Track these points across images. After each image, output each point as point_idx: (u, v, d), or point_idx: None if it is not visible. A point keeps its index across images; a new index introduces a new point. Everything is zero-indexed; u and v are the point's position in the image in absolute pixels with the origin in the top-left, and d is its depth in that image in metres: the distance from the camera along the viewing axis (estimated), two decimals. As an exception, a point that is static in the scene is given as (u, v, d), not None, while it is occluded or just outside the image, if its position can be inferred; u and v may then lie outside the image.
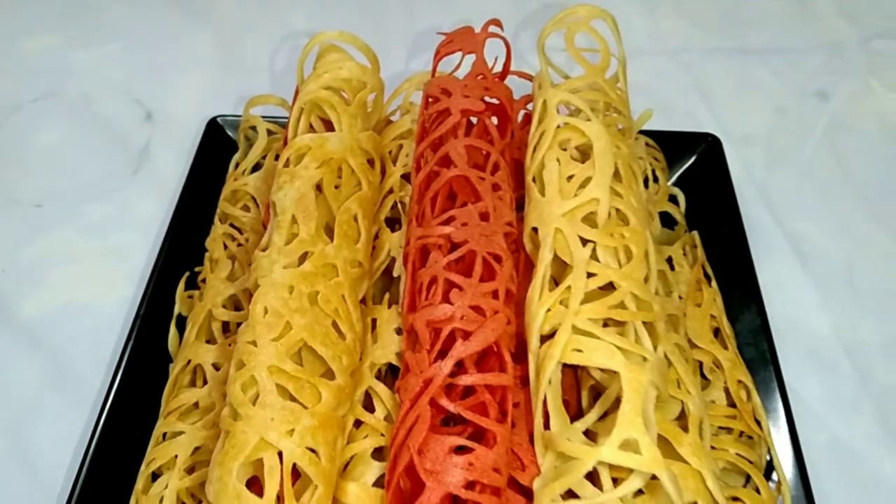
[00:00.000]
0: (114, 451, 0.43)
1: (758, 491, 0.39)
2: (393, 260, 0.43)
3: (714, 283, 0.48)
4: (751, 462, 0.40)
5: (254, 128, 0.55)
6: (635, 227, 0.39)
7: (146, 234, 0.57)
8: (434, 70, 0.48)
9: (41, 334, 0.52)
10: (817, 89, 0.69)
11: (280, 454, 0.33)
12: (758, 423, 0.42)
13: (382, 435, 0.36)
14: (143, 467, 0.40)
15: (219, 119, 0.59)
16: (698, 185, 0.56)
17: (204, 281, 0.49)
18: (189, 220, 0.53)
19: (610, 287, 0.36)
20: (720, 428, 0.41)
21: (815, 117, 0.67)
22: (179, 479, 0.39)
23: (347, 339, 0.38)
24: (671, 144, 0.57)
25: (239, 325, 0.45)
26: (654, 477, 0.34)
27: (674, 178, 0.57)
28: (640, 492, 0.34)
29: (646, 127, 0.52)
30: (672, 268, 0.48)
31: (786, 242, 0.57)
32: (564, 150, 0.41)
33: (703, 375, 0.44)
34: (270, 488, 0.32)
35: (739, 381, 0.43)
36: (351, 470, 0.36)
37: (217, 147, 0.58)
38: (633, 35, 0.71)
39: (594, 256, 0.37)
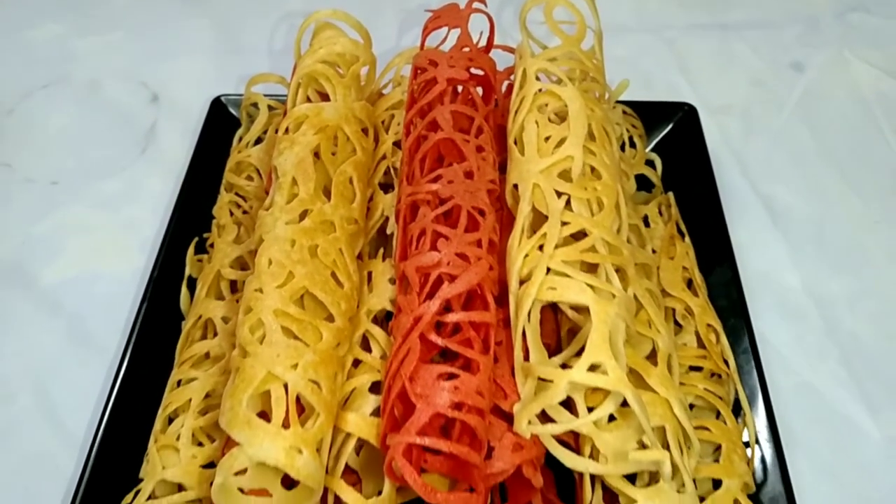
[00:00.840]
0: (132, 402, 0.46)
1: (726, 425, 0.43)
2: (386, 220, 0.46)
3: (687, 239, 0.52)
4: (720, 398, 0.44)
5: (255, 105, 0.58)
6: (607, 182, 0.42)
7: (155, 208, 0.60)
8: (422, 44, 0.51)
9: (60, 299, 0.55)
10: (793, 61, 0.72)
11: (286, 386, 0.36)
12: (725, 363, 0.45)
13: (378, 371, 0.40)
14: (160, 411, 0.44)
15: (222, 98, 0.62)
16: (675, 151, 0.60)
17: (212, 245, 0.52)
18: (196, 191, 0.56)
19: (582, 235, 0.40)
20: (691, 368, 0.45)
21: (790, 88, 0.70)
22: (194, 419, 0.42)
23: (345, 288, 0.41)
24: (650, 114, 0.60)
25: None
26: (624, 404, 0.37)
27: (651, 145, 0.60)
28: (612, 418, 0.38)
29: (627, 98, 0.56)
30: (647, 225, 0.52)
31: (759, 204, 0.60)
32: (542, 113, 0.45)
33: (676, 323, 0.47)
34: (277, 415, 0.36)
35: (709, 325, 0.46)
36: (350, 403, 0.39)
37: (221, 125, 0.61)
38: (618, 13, 0.75)
39: (568, 208, 0.41)
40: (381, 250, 0.46)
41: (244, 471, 0.37)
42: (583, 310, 0.39)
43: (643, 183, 0.57)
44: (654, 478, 0.37)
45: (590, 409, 0.37)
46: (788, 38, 0.74)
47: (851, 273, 0.56)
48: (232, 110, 0.62)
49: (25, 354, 0.53)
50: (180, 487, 0.41)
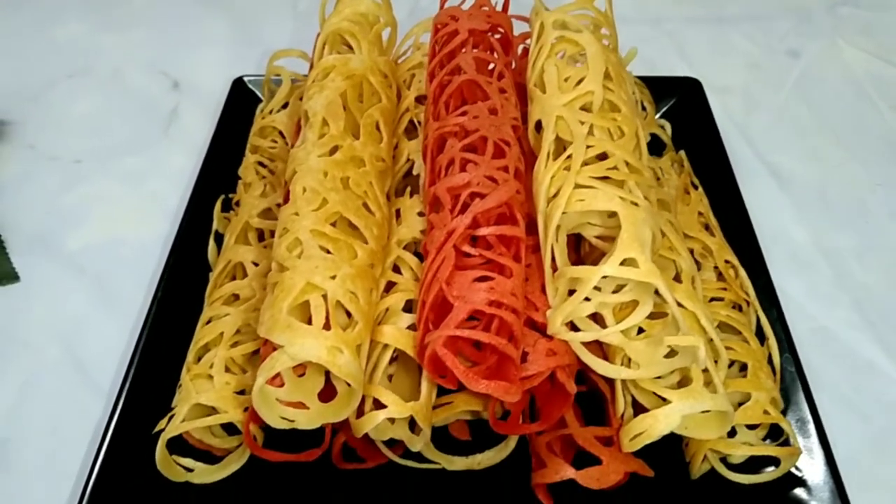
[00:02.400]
0: (158, 346, 0.47)
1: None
2: (412, 163, 0.48)
3: (700, 189, 0.53)
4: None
5: (277, 80, 0.60)
6: (626, 114, 0.44)
7: (178, 182, 0.62)
8: (442, 5, 0.53)
9: (86, 263, 0.56)
10: (788, 49, 0.75)
11: (324, 297, 0.37)
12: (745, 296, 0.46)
13: (411, 292, 0.41)
14: (191, 346, 0.44)
15: (245, 78, 0.64)
16: (681, 122, 0.62)
17: (237, 204, 0.54)
18: (220, 159, 0.58)
19: (605, 159, 0.41)
20: (712, 299, 0.46)
21: (787, 71, 0.73)
22: (226, 350, 0.43)
23: (377, 216, 0.43)
24: (655, 88, 0.63)
25: (273, 234, 0.50)
26: (651, 317, 0.39)
27: (658, 115, 0.62)
28: (640, 332, 0.39)
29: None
30: (660, 179, 0.53)
31: (765, 171, 0.63)
32: (561, 58, 0.47)
33: (695, 261, 0.49)
34: (317, 321, 0.36)
35: (727, 261, 0.48)
36: (385, 320, 0.40)
37: (242, 102, 0.63)
38: (618, 5, 0.77)
39: (591, 135, 0.42)
40: (408, 188, 0.47)
41: (282, 384, 0.38)
42: (607, 238, 0.41)
43: (653, 148, 0.59)
44: (683, 383, 0.38)
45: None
46: (782, 30, 0.77)
47: (856, 230, 0.58)
48: (253, 89, 0.64)
49: (52, 313, 0.53)
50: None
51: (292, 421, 0.37)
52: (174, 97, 0.70)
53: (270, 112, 0.58)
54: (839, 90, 0.71)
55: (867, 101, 0.69)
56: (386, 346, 0.39)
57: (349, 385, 0.36)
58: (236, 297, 0.47)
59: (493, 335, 0.35)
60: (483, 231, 0.39)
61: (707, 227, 0.50)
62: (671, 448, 0.42)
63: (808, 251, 0.57)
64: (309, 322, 0.37)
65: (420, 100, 0.52)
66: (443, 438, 0.43)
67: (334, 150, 0.44)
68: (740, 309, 0.46)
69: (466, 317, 0.35)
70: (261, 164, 0.55)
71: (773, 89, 0.71)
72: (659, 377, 0.38)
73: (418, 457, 0.42)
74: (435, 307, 0.37)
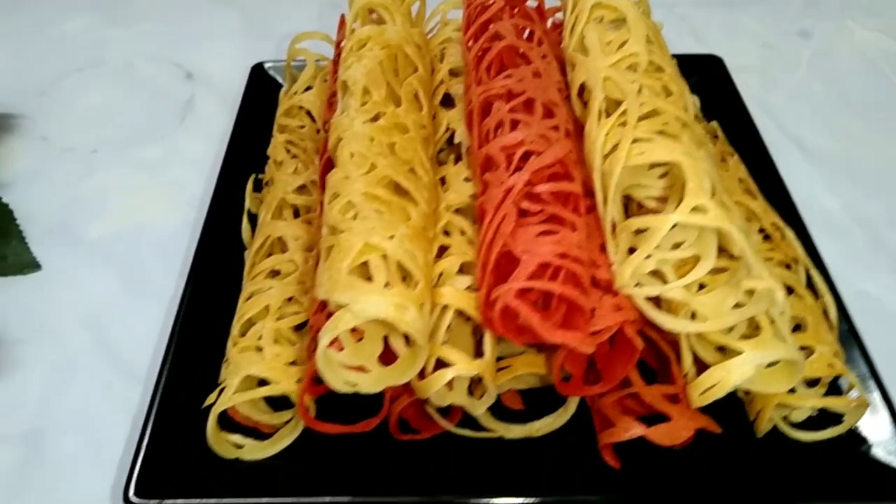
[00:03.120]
0: (194, 333, 0.45)
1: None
2: (452, 132, 0.47)
3: (737, 156, 0.53)
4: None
5: (298, 63, 0.59)
6: (671, 74, 0.44)
7: (199, 169, 0.61)
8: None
9: (109, 251, 0.55)
10: (799, 29, 0.76)
11: (384, 258, 0.36)
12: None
13: (465, 254, 0.40)
14: (235, 321, 0.43)
15: (265, 64, 0.64)
16: (707, 98, 0.61)
17: (267, 184, 0.52)
18: (244, 140, 0.57)
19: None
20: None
21: (800, 51, 0.73)
22: (274, 322, 0.41)
23: (425, 180, 0.42)
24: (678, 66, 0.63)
25: (309, 210, 0.49)
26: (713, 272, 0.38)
27: (684, 91, 0.62)
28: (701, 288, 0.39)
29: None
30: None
31: (790, 144, 0.63)
32: (600, 24, 0.46)
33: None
34: (378, 280, 0.35)
35: (773, 224, 0.47)
36: (440, 284, 0.39)
37: (262, 88, 0.62)
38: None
39: (639, 93, 0.42)
40: (452, 156, 0.46)
41: (341, 348, 0.37)
42: (658, 199, 0.40)
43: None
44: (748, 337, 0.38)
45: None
46: (792, 12, 0.78)
47: (886, 197, 0.58)
48: (274, 75, 0.63)
49: (78, 300, 0.52)
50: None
51: (355, 385, 0.36)
52: (189, 87, 0.69)
53: (296, 93, 0.57)
54: (853, 67, 0.71)
55: (882, 78, 0.70)
56: (445, 308, 0.38)
57: (415, 344, 0.35)
58: (275, 273, 0.45)
59: (565, 285, 0.34)
60: (541, 188, 0.38)
61: (748, 193, 0.50)
62: (730, 408, 0.41)
63: (841, 219, 0.57)
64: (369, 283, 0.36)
65: (454, 72, 0.51)
66: (495, 409, 0.42)
67: (377, 116, 0.43)
68: (789, 267, 0.45)
69: (535, 269, 0.34)
70: (290, 142, 0.54)
71: (788, 68, 0.71)
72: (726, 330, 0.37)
73: (474, 427, 0.41)
74: (498, 264, 0.36)
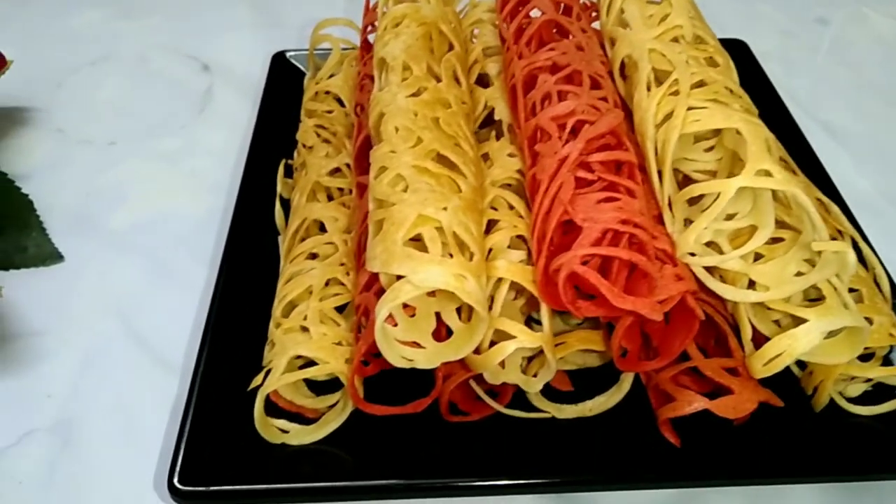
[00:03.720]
0: (229, 318, 0.44)
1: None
2: (491, 110, 0.46)
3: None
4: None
5: (320, 51, 0.58)
6: (717, 47, 0.43)
7: (222, 159, 0.59)
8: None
9: (133, 240, 0.53)
10: (817, 17, 0.76)
11: (438, 229, 0.35)
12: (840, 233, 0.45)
13: (515, 227, 0.39)
14: (276, 303, 0.42)
15: (287, 53, 0.63)
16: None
17: (297, 169, 0.51)
18: (269, 128, 0.56)
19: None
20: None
21: (819, 37, 0.73)
22: (318, 302, 0.40)
23: (471, 155, 0.41)
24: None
25: (341, 191, 0.48)
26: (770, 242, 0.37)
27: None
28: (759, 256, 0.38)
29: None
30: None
31: (817, 126, 0.62)
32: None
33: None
34: (434, 251, 0.34)
35: (816, 199, 0.47)
36: (492, 259, 0.38)
37: (284, 76, 0.61)
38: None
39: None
40: (493, 132, 0.45)
41: (394, 324, 0.35)
42: (706, 173, 0.39)
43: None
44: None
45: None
46: (808, 0, 0.78)
47: (919, 177, 0.58)
48: (295, 63, 0.62)
49: (104, 290, 0.50)
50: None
51: (411, 360, 0.35)
52: (206, 79, 0.68)
53: (322, 79, 0.56)
54: (872, 52, 0.71)
55: (903, 62, 0.70)
56: (499, 281, 0.37)
57: (473, 316, 0.34)
58: (314, 256, 0.44)
59: (633, 252, 0.33)
60: (596, 157, 0.37)
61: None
62: (783, 384, 0.40)
63: (874, 199, 0.56)
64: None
65: (487, 52, 0.50)
66: (544, 391, 0.40)
67: (419, 91, 0.42)
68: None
69: (599, 236, 0.33)
70: (320, 126, 0.53)
71: (808, 54, 0.71)
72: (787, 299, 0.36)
73: (524, 408, 0.40)
74: (558, 233, 0.35)
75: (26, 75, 0.67)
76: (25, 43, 0.72)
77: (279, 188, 0.51)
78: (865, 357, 0.41)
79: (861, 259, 0.44)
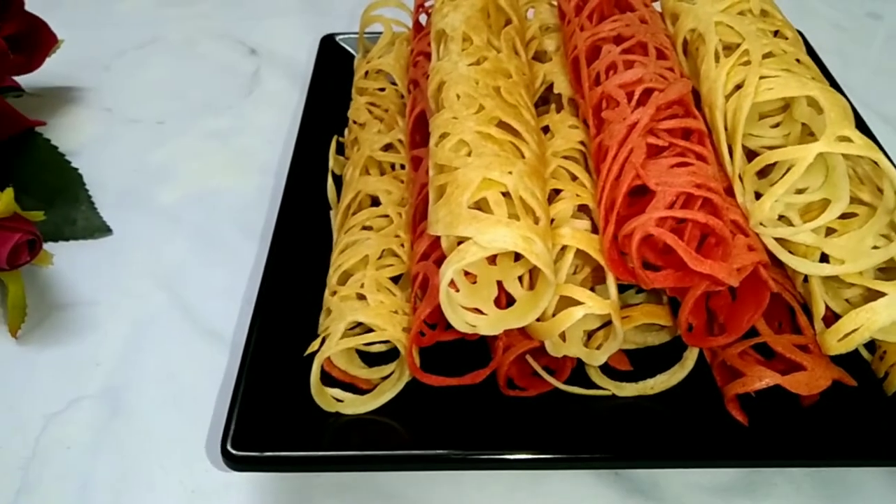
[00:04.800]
0: (281, 289, 0.43)
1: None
2: (550, 85, 0.45)
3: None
4: None
5: (370, 36, 0.58)
6: (784, 20, 0.42)
7: (271, 139, 0.59)
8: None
9: (181, 214, 0.53)
10: (869, 12, 0.75)
11: (503, 194, 0.34)
12: None
13: (578, 196, 0.38)
14: (331, 271, 0.41)
15: (336, 36, 0.63)
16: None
17: (348, 146, 0.51)
18: (318, 108, 0.56)
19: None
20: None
21: (872, 32, 0.72)
22: (376, 271, 0.40)
23: (532, 124, 0.40)
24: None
25: (393, 167, 0.47)
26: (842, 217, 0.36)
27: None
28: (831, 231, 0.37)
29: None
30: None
31: (877, 118, 0.61)
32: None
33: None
34: (500, 213, 0.34)
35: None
36: (555, 227, 0.37)
37: (333, 59, 0.61)
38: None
39: (757, 36, 0.40)
40: (552, 105, 0.44)
41: (456, 290, 0.35)
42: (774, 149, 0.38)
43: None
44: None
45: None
46: (859, -4, 0.77)
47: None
48: (343, 45, 0.62)
49: (153, 262, 0.50)
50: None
51: (474, 326, 0.34)
52: (254, 61, 0.68)
53: (374, 59, 0.55)
54: (929, 47, 0.70)
55: (962, 57, 0.68)
56: (564, 249, 0.36)
57: (539, 281, 0.33)
58: (368, 228, 0.44)
59: (711, 216, 0.32)
60: (666, 124, 0.36)
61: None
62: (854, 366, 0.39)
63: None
64: (489, 219, 0.34)
65: (544, 29, 0.50)
66: (602, 369, 0.39)
67: (480, 61, 0.41)
68: None
69: (674, 199, 0.32)
70: (371, 104, 0.52)
71: (863, 47, 0.70)
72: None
73: (583, 384, 0.39)
74: (625, 202, 0.34)
75: (74, 57, 0.67)
76: (74, 26, 0.72)
77: (331, 164, 0.50)
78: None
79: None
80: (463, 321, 0.33)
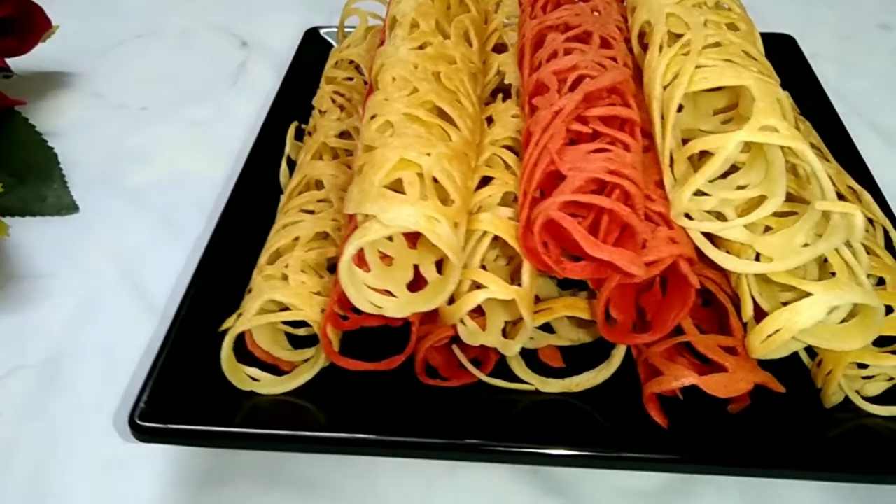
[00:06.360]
0: (217, 268, 0.43)
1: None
2: (502, 76, 0.45)
3: (808, 124, 0.49)
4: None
5: (351, 29, 0.58)
6: (740, 13, 0.41)
7: (246, 127, 0.60)
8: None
9: (147, 197, 0.54)
10: (879, 23, 0.72)
11: (419, 175, 0.34)
12: (871, 222, 0.42)
13: (507, 184, 0.37)
14: (263, 251, 0.41)
15: (321, 30, 0.63)
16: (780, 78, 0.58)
17: (310, 133, 0.51)
18: (292, 97, 0.56)
19: (723, 50, 0.38)
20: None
21: (880, 42, 0.69)
22: (303, 252, 0.39)
23: (469, 111, 0.39)
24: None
25: (348, 153, 0.47)
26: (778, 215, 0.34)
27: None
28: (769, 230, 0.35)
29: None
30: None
31: (868, 127, 0.58)
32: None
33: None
34: (412, 193, 0.33)
35: (848, 186, 0.43)
36: (478, 214, 0.36)
37: (315, 51, 0.61)
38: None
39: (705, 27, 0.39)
40: (500, 94, 0.44)
41: (369, 270, 0.34)
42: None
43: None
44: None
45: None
46: (871, 7, 0.74)
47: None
48: (327, 38, 0.63)
49: (112, 241, 0.51)
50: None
51: (380, 307, 0.33)
52: (243, 53, 0.69)
53: (348, 47, 0.55)
54: (939, 60, 0.67)
55: (973, 71, 0.65)
56: (483, 234, 0.35)
57: (446, 265, 0.32)
58: (311, 212, 0.43)
59: (616, 202, 0.30)
60: (594, 111, 0.35)
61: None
62: (795, 378, 0.37)
63: (924, 202, 0.52)
64: (402, 198, 0.33)
65: (508, 22, 0.49)
66: (534, 365, 0.38)
67: (424, 46, 0.41)
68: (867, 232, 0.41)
69: (582, 184, 0.31)
70: (336, 93, 0.52)
71: (867, 57, 0.67)
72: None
73: (508, 377, 0.38)
74: (542, 183, 0.33)
75: (75, 44, 0.69)
76: (78, 14, 0.74)
77: (287, 149, 0.50)
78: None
79: (891, 250, 0.40)
80: (366, 301, 0.33)
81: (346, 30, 0.58)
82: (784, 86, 0.55)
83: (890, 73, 0.65)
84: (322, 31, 0.63)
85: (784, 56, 0.60)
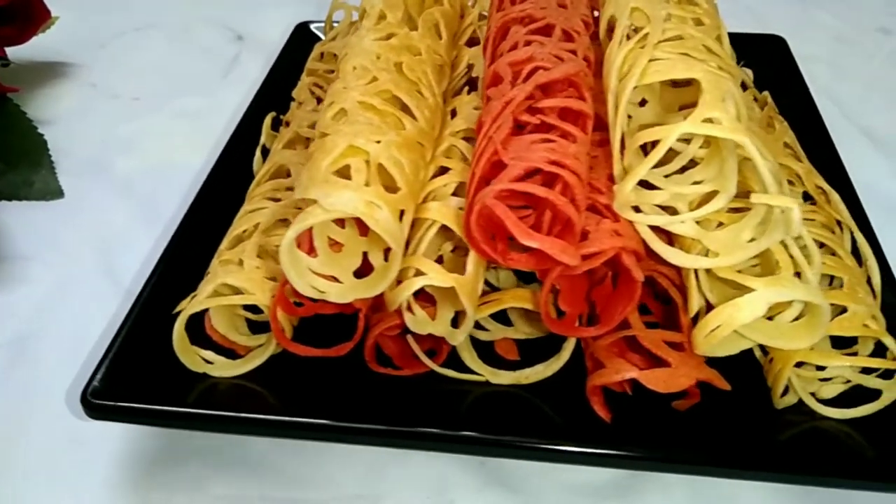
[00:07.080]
0: (186, 254, 0.44)
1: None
2: (470, 67, 0.45)
3: (785, 123, 0.49)
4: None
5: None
6: (708, 9, 0.40)
7: (235, 119, 0.60)
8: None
9: (133, 185, 0.55)
10: (880, 26, 0.71)
11: (367, 162, 0.34)
12: (838, 222, 0.41)
13: (460, 174, 0.37)
14: (226, 236, 0.42)
15: (311, 24, 0.64)
16: (765, 79, 0.57)
17: (288, 124, 0.51)
18: (277, 89, 0.56)
19: (684, 44, 0.38)
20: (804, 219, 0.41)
21: (878, 46, 0.68)
22: (261, 237, 0.40)
23: (430, 102, 0.40)
24: (737, 45, 0.58)
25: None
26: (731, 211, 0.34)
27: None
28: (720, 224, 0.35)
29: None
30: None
31: (855, 129, 0.58)
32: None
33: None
34: (357, 180, 0.33)
35: (818, 187, 0.42)
36: (430, 201, 0.36)
37: (305, 45, 0.62)
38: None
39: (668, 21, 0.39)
40: (466, 88, 0.44)
41: (315, 254, 0.34)
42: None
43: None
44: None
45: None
46: (872, 9, 0.73)
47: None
48: (317, 33, 0.63)
49: (94, 227, 0.52)
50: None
51: (323, 292, 0.34)
52: (237, 46, 0.70)
53: (332, 39, 0.56)
54: (938, 64, 0.65)
55: (971, 74, 0.63)
56: (431, 224, 0.35)
57: (389, 249, 0.33)
58: (276, 200, 0.44)
59: (551, 191, 0.30)
60: (546, 103, 0.35)
61: (793, 156, 0.45)
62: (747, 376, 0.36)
63: (906, 205, 0.51)
64: (348, 185, 0.33)
65: (484, 17, 0.49)
66: (488, 357, 0.38)
67: (389, 36, 0.41)
68: (833, 232, 0.40)
69: (521, 174, 0.31)
70: (316, 85, 0.53)
71: (863, 61, 0.66)
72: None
73: (460, 368, 0.38)
74: (486, 172, 0.33)
75: (75, 35, 0.71)
76: (78, 5, 0.75)
77: (263, 138, 0.51)
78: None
79: (856, 252, 0.40)
80: (308, 286, 0.33)
81: (335, 24, 0.59)
82: (770, 86, 0.55)
83: (885, 77, 0.64)
84: (312, 26, 0.64)
85: (773, 57, 0.59)
